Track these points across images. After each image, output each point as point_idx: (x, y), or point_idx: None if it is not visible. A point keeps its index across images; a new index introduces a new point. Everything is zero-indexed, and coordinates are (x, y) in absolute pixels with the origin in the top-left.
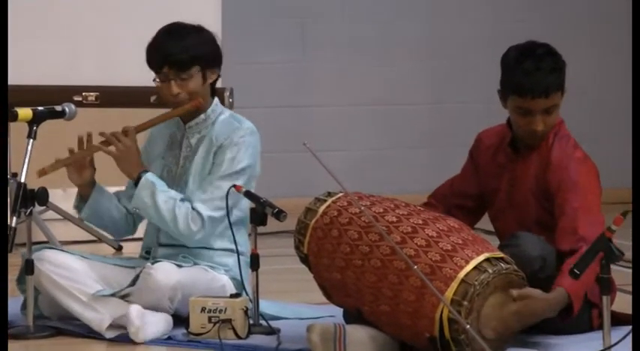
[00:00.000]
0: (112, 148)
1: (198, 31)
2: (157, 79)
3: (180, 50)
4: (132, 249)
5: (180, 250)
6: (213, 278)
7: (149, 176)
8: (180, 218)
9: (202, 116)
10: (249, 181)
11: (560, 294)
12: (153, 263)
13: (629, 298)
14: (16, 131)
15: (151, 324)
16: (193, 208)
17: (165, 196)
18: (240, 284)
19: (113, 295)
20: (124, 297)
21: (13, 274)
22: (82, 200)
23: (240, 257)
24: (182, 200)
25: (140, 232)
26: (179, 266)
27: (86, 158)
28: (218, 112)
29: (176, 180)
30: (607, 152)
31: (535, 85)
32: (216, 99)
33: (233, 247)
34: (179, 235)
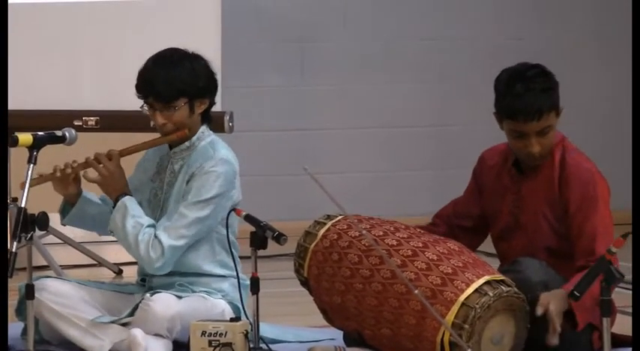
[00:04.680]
0: (91, 171)
1: (191, 60)
2: (145, 106)
3: (166, 83)
4: (132, 272)
5: (176, 278)
6: (212, 305)
7: (125, 200)
8: (141, 245)
9: (187, 143)
10: (217, 211)
11: (560, 292)
12: (152, 294)
13: (630, 319)
14: (17, 156)
15: (154, 348)
16: (156, 236)
17: (134, 221)
18: (237, 309)
19: (113, 322)
20: (122, 325)
21: (12, 299)
22: (67, 204)
23: (235, 280)
24: (149, 226)
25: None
26: (178, 297)
27: (69, 176)
28: (202, 139)
29: (161, 205)
30: (610, 172)
31: (527, 107)
32: (204, 126)
33: (225, 272)
34: (141, 261)
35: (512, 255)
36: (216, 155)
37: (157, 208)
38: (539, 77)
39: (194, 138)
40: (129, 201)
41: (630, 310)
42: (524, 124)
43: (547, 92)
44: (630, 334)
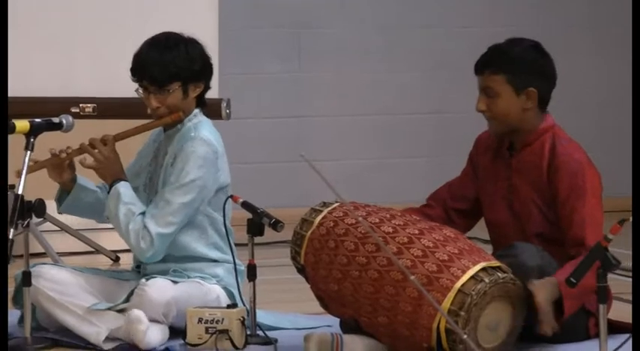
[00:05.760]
0: (87, 156)
1: (186, 43)
2: (140, 90)
3: (159, 66)
4: (129, 260)
5: (170, 264)
6: (207, 291)
7: (119, 186)
8: (131, 234)
9: (178, 126)
10: (202, 193)
11: (550, 280)
12: (147, 280)
13: (626, 306)
14: (14, 143)
15: (152, 331)
16: (145, 225)
17: (126, 209)
18: (232, 294)
19: (109, 309)
20: (119, 311)
21: (9, 286)
22: (64, 192)
23: (229, 265)
24: (140, 214)
25: None
26: (174, 282)
27: (64, 161)
28: (190, 121)
29: (156, 188)
30: (605, 160)
31: (480, 59)
32: (197, 109)
33: (219, 256)
34: (133, 250)
35: (504, 241)
36: (196, 136)
37: (152, 192)
38: (521, 48)
39: (185, 120)
40: (122, 187)
41: (625, 296)
42: (477, 76)
43: (513, 62)
44: (625, 321)
